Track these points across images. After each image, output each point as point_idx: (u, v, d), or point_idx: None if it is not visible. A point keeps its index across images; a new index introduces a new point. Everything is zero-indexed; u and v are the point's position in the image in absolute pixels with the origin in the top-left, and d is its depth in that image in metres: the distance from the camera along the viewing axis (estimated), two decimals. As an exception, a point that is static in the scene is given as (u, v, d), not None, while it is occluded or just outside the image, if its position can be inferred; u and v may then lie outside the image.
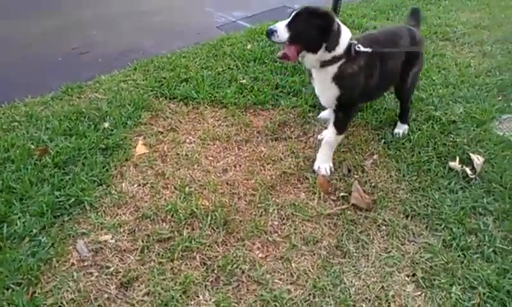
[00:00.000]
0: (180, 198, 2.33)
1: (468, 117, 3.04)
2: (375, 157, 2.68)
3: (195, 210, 2.25)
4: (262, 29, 4.23)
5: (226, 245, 2.11)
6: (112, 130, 2.80)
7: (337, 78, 2.30)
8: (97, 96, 3.17)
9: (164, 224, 2.21)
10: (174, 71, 3.49)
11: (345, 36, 2.26)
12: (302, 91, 3.29)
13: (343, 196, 2.40)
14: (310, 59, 2.28)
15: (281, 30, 2.17)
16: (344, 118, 2.47)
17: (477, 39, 4.37)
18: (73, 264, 2.01)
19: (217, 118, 3.04)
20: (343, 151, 2.72)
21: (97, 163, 2.52)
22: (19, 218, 2.16)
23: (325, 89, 2.38)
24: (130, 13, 5.10)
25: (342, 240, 2.15)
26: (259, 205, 2.33)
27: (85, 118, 2.90)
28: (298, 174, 2.56)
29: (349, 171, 2.58)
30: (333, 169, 2.57)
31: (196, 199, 2.33)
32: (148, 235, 2.14)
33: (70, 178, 2.40)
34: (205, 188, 2.42)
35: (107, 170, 2.50)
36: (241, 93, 3.26)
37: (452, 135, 2.86)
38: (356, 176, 2.53)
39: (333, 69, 2.28)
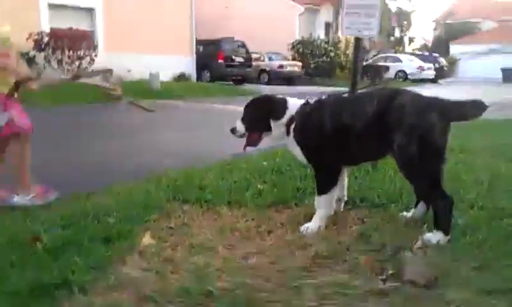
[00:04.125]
0: (192, 281, 1.88)
1: (516, 206, 2.70)
2: (422, 238, 2.28)
3: (211, 289, 1.79)
4: (277, 151, 4.14)
5: (252, 324, 1.59)
6: (117, 224, 2.48)
7: (295, 137, 2.55)
8: (106, 200, 2.93)
9: (171, 306, 1.73)
10: (188, 180, 3.32)
11: (293, 102, 2.59)
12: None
13: (392, 274, 1.94)
14: (273, 136, 2.62)
15: (239, 125, 2.63)
16: (318, 178, 2.56)
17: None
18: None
19: (235, 215, 2.73)
20: (384, 235, 2.33)
21: (96, 250, 2.15)
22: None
23: (294, 150, 2.61)
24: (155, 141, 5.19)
25: (403, 320, 1.63)
26: (290, 285, 1.86)
27: (89, 215, 2.61)
28: (334, 257, 2.13)
29: (395, 252, 2.15)
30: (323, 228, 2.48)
31: (213, 280, 1.88)
32: (149, 317, 1.65)
33: (60, 263, 2.00)
34: (224, 272, 1.98)
35: (106, 256, 2.11)
36: (260, 195, 3.02)
37: (505, 220, 2.49)
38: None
39: (291, 131, 2.56)
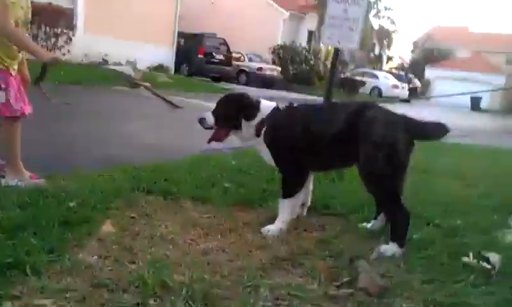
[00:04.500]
0: (149, 272, 1.87)
1: (470, 226, 2.82)
2: (378, 249, 2.35)
3: (168, 281, 1.79)
4: (247, 152, 4.16)
5: (206, 320, 1.60)
6: (77, 208, 2.43)
7: (265, 139, 2.57)
8: (68, 184, 2.86)
9: (125, 295, 1.72)
10: (155, 172, 3.30)
11: (266, 105, 2.62)
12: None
13: (348, 282, 1.99)
14: (241, 136, 2.65)
15: (208, 117, 2.61)
16: (284, 181, 2.58)
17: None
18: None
19: (198, 211, 2.73)
20: (342, 243, 2.40)
21: (53, 233, 2.10)
22: None
23: (263, 151, 2.64)
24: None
25: (353, 326, 1.68)
26: (247, 284, 1.89)
27: (49, 196, 2.54)
28: (292, 259, 2.17)
29: (351, 260, 2.21)
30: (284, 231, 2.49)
31: (171, 273, 1.88)
32: (102, 304, 1.63)
33: (15, 243, 1.95)
34: (181, 266, 1.99)
35: (64, 240, 2.06)
36: (226, 193, 3.03)
37: (458, 238, 2.60)
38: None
39: (261, 133, 2.57)
